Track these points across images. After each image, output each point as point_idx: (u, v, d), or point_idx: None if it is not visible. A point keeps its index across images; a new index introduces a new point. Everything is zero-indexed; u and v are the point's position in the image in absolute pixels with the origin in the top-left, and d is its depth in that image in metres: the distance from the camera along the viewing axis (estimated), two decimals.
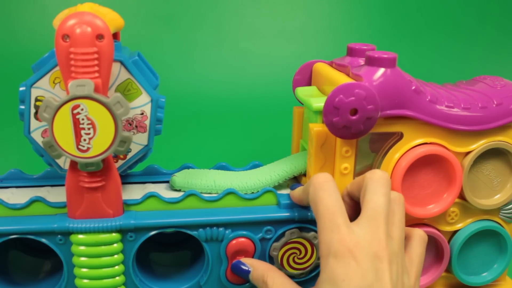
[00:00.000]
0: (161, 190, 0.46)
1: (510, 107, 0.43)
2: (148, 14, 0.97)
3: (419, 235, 0.38)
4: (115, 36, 0.45)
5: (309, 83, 0.49)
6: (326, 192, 0.35)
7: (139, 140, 0.42)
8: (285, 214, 0.43)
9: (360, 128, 0.39)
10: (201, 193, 0.43)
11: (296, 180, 0.48)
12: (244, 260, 0.42)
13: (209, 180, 0.45)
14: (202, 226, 0.42)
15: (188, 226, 0.42)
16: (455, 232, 0.47)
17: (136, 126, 0.41)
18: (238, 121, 0.91)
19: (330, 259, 0.33)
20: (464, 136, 0.43)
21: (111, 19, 0.40)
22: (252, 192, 0.45)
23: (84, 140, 0.37)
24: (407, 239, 0.38)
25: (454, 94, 0.44)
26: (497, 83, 0.46)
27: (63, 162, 0.41)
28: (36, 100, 0.39)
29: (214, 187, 0.45)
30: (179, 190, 0.45)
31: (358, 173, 0.43)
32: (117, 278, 0.42)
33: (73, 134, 0.37)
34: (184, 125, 0.87)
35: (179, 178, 0.45)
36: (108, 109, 0.37)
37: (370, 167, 0.44)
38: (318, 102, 0.42)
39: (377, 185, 0.36)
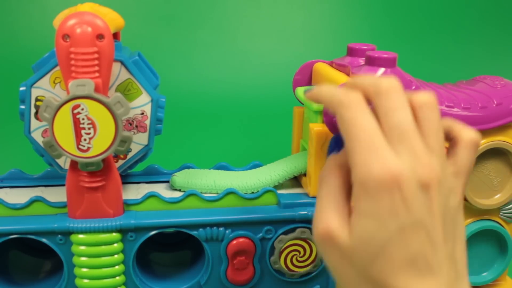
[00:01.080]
0: (161, 190, 0.46)
1: (510, 107, 0.43)
2: (148, 14, 0.97)
3: (469, 139, 0.31)
4: (115, 36, 0.45)
5: (309, 83, 0.49)
6: (359, 112, 0.29)
7: (139, 140, 0.42)
8: (285, 214, 0.43)
9: None
10: (201, 193, 0.43)
11: (296, 180, 0.48)
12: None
13: (209, 180, 0.45)
14: (202, 226, 0.42)
15: (188, 226, 0.42)
16: None
17: (137, 126, 0.41)
18: (238, 121, 0.91)
19: (370, 188, 0.27)
20: None
21: (111, 19, 0.40)
22: (252, 192, 0.45)
23: (85, 140, 0.37)
24: (453, 143, 0.32)
25: (454, 94, 0.44)
26: (497, 83, 0.46)
27: (63, 162, 0.41)
28: (37, 100, 0.39)
29: (214, 187, 0.45)
30: (179, 190, 0.45)
31: None
32: (117, 278, 0.42)
33: (74, 134, 0.37)
34: (184, 125, 0.87)
35: (179, 178, 0.45)
36: (108, 109, 0.37)
37: None
38: None
39: (390, 98, 0.29)
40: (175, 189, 0.46)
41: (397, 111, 0.29)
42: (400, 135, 0.28)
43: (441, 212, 0.28)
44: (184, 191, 0.45)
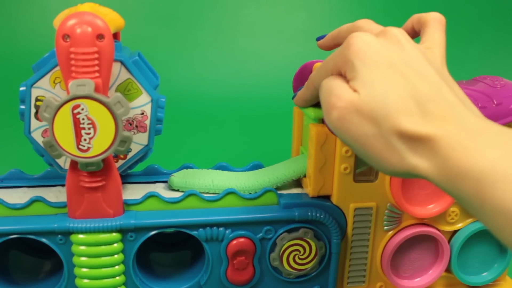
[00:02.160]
0: (160, 190, 0.46)
1: (510, 107, 0.43)
2: (148, 14, 0.97)
3: (431, 18, 0.35)
4: (116, 36, 0.45)
5: None
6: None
7: (139, 140, 0.42)
8: (285, 214, 0.43)
9: None
10: (199, 193, 0.43)
11: (296, 180, 0.48)
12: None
13: (207, 180, 0.45)
14: (202, 226, 0.42)
15: (188, 226, 0.42)
16: (455, 232, 0.47)
17: (137, 126, 0.41)
18: (238, 121, 0.91)
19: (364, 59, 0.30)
20: None
21: (112, 19, 0.40)
22: (250, 193, 0.45)
23: (85, 140, 0.37)
24: (420, 28, 0.36)
25: None
26: (497, 83, 0.46)
27: (63, 162, 0.41)
28: (37, 100, 0.39)
29: (212, 187, 0.45)
30: (178, 190, 0.45)
31: (358, 173, 0.43)
32: (117, 278, 0.42)
33: (74, 134, 0.37)
34: (184, 125, 0.87)
35: (177, 178, 0.45)
36: (108, 109, 0.37)
37: (370, 168, 0.44)
38: (317, 111, 0.41)
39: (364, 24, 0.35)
40: (173, 189, 0.46)
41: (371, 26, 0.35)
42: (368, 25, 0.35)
43: (423, 60, 0.30)
44: (182, 191, 0.45)
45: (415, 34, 0.37)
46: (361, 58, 0.30)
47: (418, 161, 0.28)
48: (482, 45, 1.06)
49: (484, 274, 0.49)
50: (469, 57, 1.04)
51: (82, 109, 0.36)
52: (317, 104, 0.41)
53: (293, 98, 0.41)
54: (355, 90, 0.30)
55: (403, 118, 0.28)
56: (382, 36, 0.31)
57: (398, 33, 0.31)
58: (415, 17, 0.37)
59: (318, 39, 0.42)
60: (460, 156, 0.26)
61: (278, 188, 0.46)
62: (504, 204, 0.24)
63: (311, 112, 0.42)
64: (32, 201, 0.41)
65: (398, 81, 0.29)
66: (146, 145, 0.42)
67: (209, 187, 0.45)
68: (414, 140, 0.27)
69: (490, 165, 0.25)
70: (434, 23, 0.35)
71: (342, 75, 0.32)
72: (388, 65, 0.29)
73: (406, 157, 0.28)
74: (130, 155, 0.42)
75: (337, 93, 0.30)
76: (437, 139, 0.27)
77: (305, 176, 0.46)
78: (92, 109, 0.36)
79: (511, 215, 0.24)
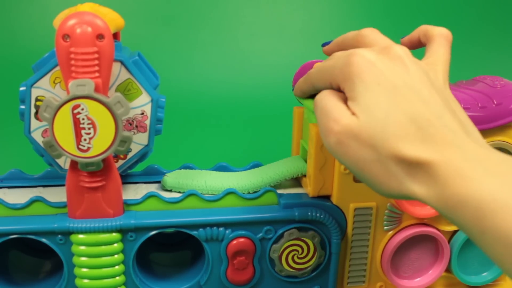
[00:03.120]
0: (155, 190, 0.45)
1: (510, 107, 0.44)
2: (148, 14, 0.97)
3: (437, 33, 0.35)
4: (115, 36, 0.45)
5: None
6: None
7: (139, 140, 0.42)
8: (285, 214, 0.43)
9: None
10: None
11: (296, 180, 0.48)
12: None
13: (200, 181, 0.45)
14: (202, 226, 0.42)
15: (188, 226, 0.42)
16: (455, 232, 0.47)
17: (137, 126, 0.41)
18: (238, 121, 0.91)
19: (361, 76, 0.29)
20: None
21: (111, 19, 0.40)
22: (245, 193, 0.45)
23: (85, 140, 0.37)
24: (426, 42, 0.35)
25: (454, 94, 0.44)
26: (497, 83, 0.46)
27: (63, 162, 0.41)
28: (37, 100, 0.39)
29: (205, 187, 0.44)
30: (170, 191, 0.45)
31: None
32: (117, 278, 0.42)
33: (74, 133, 0.37)
34: (184, 125, 0.87)
35: (171, 178, 0.45)
36: (108, 109, 0.37)
37: None
38: None
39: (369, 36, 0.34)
40: (166, 190, 0.45)
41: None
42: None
43: (426, 82, 0.29)
44: (175, 191, 0.45)
45: (420, 45, 0.36)
46: (363, 78, 0.29)
47: (416, 187, 0.28)
48: (482, 45, 1.06)
49: (484, 274, 0.49)
50: (469, 57, 1.04)
51: (82, 109, 0.36)
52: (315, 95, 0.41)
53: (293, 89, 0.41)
54: (353, 113, 0.29)
55: (402, 144, 0.28)
56: (385, 55, 0.30)
57: (402, 53, 0.30)
58: (423, 28, 0.36)
59: (323, 44, 0.41)
60: (459, 184, 0.26)
61: (278, 188, 0.46)
62: (504, 233, 0.24)
63: (310, 104, 0.42)
64: (32, 201, 0.41)
65: (400, 105, 0.28)
66: (146, 145, 0.42)
67: (202, 187, 0.44)
68: (413, 166, 0.27)
69: (490, 194, 0.25)
70: (440, 39, 0.34)
71: (340, 90, 0.31)
72: (391, 88, 0.29)
73: (404, 182, 0.28)
74: (130, 155, 0.42)
75: (334, 116, 0.30)
76: (436, 165, 0.27)
77: (301, 175, 0.46)
78: (92, 109, 0.36)
79: (511, 244, 0.24)
